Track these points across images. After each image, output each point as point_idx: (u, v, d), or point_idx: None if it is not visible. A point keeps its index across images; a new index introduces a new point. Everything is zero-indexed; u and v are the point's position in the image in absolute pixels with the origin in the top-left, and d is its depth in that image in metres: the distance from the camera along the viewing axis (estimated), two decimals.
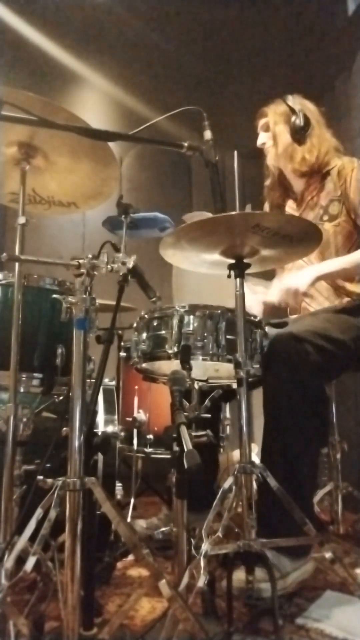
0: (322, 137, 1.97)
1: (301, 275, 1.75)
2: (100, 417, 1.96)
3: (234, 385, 1.43)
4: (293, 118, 1.94)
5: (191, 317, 1.60)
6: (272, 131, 2.00)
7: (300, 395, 1.55)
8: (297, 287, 1.70)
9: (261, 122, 2.04)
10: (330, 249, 1.92)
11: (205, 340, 1.58)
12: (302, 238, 1.42)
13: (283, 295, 1.71)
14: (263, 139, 2.04)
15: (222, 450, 2.16)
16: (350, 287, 1.92)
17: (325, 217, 1.94)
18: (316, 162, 1.95)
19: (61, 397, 1.82)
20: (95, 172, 1.53)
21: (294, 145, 1.96)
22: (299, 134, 1.94)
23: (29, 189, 1.60)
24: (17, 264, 1.42)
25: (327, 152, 1.96)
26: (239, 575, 1.34)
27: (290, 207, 2.09)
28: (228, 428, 2.49)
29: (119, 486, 1.96)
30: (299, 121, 1.93)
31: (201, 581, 1.17)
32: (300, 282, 1.71)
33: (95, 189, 1.59)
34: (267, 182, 2.12)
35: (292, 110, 1.95)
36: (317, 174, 1.98)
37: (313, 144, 1.94)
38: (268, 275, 2.21)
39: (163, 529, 2.02)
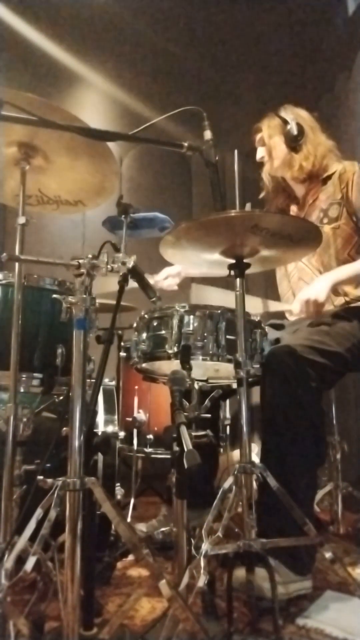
0: (316, 142, 1.99)
1: (317, 285, 1.77)
2: (100, 417, 1.96)
3: (234, 385, 1.43)
4: (288, 127, 1.97)
5: (191, 317, 1.60)
6: (267, 145, 2.03)
7: (296, 412, 1.56)
8: (316, 297, 1.72)
9: (257, 137, 2.07)
10: (330, 251, 1.93)
11: (205, 340, 1.58)
12: (301, 238, 1.43)
13: (304, 307, 1.73)
14: (261, 153, 2.07)
15: (222, 450, 2.16)
16: (348, 288, 1.94)
17: (325, 220, 1.96)
18: (314, 168, 1.98)
19: (61, 397, 1.82)
20: (95, 168, 1.53)
21: (291, 154, 1.99)
22: (294, 143, 1.97)
23: (35, 189, 1.61)
24: (17, 264, 1.42)
25: (323, 156, 1.99)
26: (239, 575, 1.34)
27: (293, 212, 2.11)
28: (228, 428, 2.50)
29: (118, 486, 1.96)
30: (292, 130, 1.96)
31: (201, 581, 1.17)
32: (317, 292, 1.73)
33: (98, 185, 1.60)
34: (263, 194, 2.15)
35: (285, 121, 1.98)
36: (316, 178, 2.01)
37: (309, 150, 1.97)
38: (267, 275, 2.22)
39: (163, 529, 2.02)
